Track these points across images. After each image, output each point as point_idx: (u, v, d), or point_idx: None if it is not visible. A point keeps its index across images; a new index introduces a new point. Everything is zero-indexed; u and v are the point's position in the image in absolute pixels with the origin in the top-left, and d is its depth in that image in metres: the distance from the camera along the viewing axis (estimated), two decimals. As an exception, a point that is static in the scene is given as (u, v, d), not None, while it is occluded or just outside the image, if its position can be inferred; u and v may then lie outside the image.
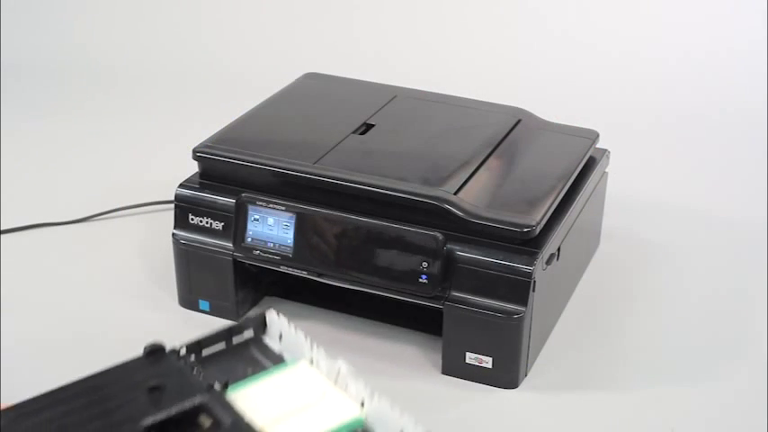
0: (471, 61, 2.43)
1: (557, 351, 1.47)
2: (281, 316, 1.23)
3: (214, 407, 1.06)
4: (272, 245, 1.42)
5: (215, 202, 1.48)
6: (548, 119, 1.68)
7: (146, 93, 2.37)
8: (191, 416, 1.06)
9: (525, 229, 1.34)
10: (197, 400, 1.07)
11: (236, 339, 1.21)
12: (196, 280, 1.51)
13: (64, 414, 1.06)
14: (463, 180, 1.43)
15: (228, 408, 1.07)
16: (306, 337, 1.22)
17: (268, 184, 1.45)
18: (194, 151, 1.51)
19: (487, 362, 1.37)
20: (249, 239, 1.43)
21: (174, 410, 1.05)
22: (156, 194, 1.83)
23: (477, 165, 1.48)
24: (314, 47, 2.49)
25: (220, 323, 1.17)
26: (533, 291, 1.33)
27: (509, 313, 1.33)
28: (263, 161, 1.46)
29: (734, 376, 1.43)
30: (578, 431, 1.33)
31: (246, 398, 1.12)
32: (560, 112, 1.83)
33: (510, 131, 1.60)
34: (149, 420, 1.03)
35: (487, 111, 1.67)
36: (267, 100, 1.70)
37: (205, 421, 1.05)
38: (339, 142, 1.53)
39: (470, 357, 1.38)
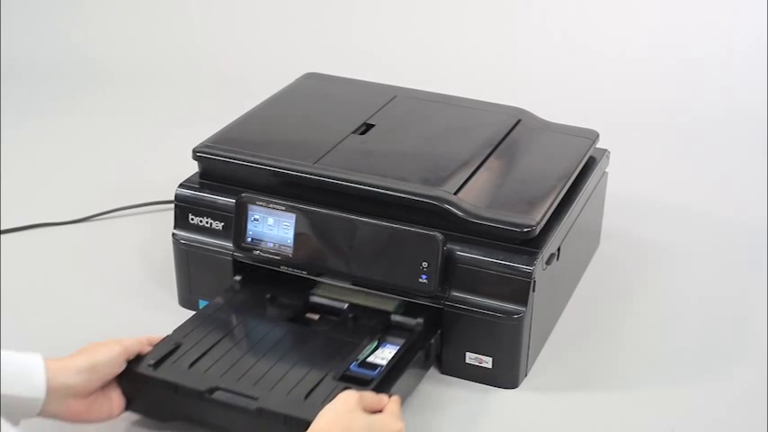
0: (471, 61, 2.43)
1: (557, 351, 1.47)
2: None
3: (320, 300, 1.43)
4: (272, 245, 1.42)
5: (215, 202, 1.48)
6: (548, 119, 1.68)
7: (145, 93, 2.37)
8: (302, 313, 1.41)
9: (525, 229, 1.34)
10: (305, 296, 1.42)
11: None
12: (196, 280, 1.51)
13: (222, 320, 1.37)
14: (463, 180, 1.43)
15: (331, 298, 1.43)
16: None
17: (268, 184, 1.45)
18: (194, 151, 1.51)
19: (487, 362, 1.37)
20: (249, 239, 1.43)
21: (299, 305, 1.41)
22: (156, 194, 1.83)
23: (477, 165, 1.48)
24: (314, 47, 2.49)
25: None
26: (533, 291, 1.33)
27: (509, 313, 1.33)
28: (263, 161, 1.46)
29: (734, 376, 1.43)
30: (578, 431, 1.33)
31: None
32: (560, 112, 1.83)
33: (510, 131, 1.60)
34: (290, 314, 1.39)
35: (487, 111, 1.67)
36: (267, 100, 1.70)
37: (312, 316, 1.41)
38: (339, 142, 1.53)
39: (470, 357, 1.38)
